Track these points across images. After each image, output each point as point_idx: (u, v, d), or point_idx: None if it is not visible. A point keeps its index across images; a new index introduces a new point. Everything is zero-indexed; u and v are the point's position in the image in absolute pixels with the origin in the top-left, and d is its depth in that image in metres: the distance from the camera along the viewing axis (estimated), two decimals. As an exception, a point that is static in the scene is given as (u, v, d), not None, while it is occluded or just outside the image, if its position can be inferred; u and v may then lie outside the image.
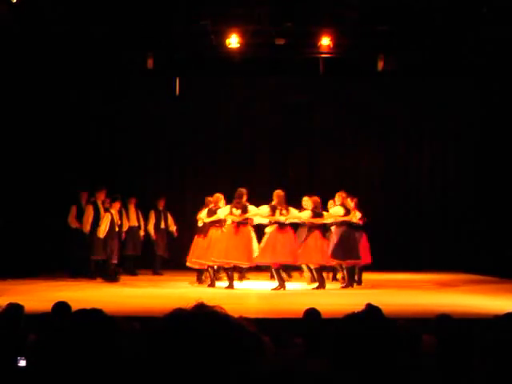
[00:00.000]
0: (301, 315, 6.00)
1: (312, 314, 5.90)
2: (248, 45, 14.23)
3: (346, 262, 12.55)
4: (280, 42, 14.09)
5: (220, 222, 12.86)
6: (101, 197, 13.76)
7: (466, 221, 16.14)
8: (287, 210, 12.50)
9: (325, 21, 13.69)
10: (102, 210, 13.64)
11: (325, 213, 12.76)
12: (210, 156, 16.99)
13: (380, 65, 14.66)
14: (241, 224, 12.45)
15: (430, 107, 16.72)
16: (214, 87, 16.69)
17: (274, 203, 12.49)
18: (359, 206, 13.15)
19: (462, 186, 16.60)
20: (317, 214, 12.55)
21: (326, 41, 14.14)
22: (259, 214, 12.51)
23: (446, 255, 15.96)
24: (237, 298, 10.98)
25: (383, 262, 13.91)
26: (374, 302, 4.18)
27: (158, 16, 13.15)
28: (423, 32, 13.77)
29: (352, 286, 12.48)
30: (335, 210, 12.71)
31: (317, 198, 12.71)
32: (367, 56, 14.84)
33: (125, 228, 14.35)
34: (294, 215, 12.62)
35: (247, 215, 12.47)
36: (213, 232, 12.88)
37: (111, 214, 13.32)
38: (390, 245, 15.69)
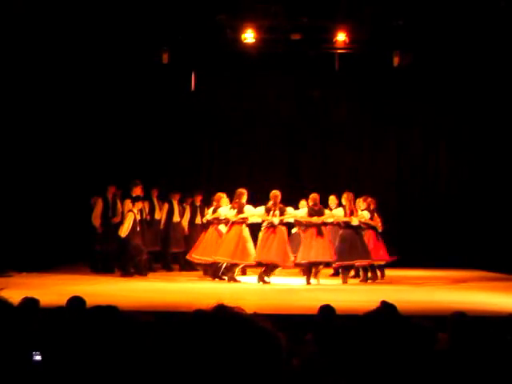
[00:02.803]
0: (316, 311, 6.00)
1: (327, 310, 5.89)
2: (263, 40, 14.21)
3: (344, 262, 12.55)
4: (296, 37, 14.06)
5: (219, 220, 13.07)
6: (137, 191, 13.68)
7: (481, 219, 16.03)
8: (282, 210, 12.54)
9: (340, 16, 13.64)
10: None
11: (327, 211, 12.74)
12: (225, 150, 17.00)
13: (396, 60, 14.59)
14: (235, 223, 12.65)
15: (446, 103, 16.61)
16: (230, 82, 16.69)
17: (269, 204, 12.58)
18: (378, 209, 13.14)
19: (477, 185, 16.46)
20: (315, 211, 12.51)
21: (341, 36, 14.10)
22: (255, 214, 12.68)
23: (461, 253, 15.86)
24: (252, 294, 10.99)
25: (398, 259, 13.86)
26: (389, 300, 4.18)
27: (173, 11, 13.16)
28: (439, 27, 13.68)
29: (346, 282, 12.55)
30: (337, 212, 12.70)
31: (316, 196, 12.67)
32: (383, 52, 14.78)
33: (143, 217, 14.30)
34: (290, 214, 12.66)
35: (242, 215, 12.61)
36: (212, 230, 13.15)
37: (134, 214, 13.32)
38: (405, 242, 15.61)
